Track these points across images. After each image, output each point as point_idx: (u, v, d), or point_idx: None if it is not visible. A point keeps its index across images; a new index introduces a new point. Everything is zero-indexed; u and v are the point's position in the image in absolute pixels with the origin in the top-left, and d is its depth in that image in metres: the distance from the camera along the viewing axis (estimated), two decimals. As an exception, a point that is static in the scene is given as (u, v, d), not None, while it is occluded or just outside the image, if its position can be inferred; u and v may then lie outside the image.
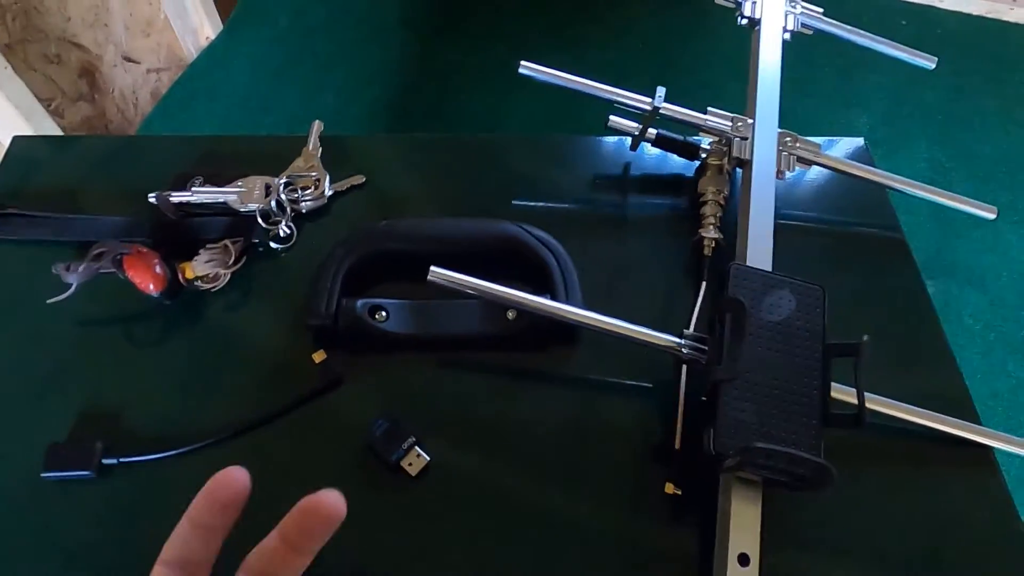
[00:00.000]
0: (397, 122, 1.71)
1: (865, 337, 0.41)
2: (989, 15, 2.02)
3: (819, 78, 1.81)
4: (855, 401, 0.45)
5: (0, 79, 1.17)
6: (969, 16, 2.03)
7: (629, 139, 0.61)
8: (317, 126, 0.61)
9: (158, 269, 0.49)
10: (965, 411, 0.49)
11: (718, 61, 1.83)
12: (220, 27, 1.81)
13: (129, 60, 1.57)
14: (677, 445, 0.46)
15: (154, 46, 1.64)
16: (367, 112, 1.72)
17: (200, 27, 1.75)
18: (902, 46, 0.64)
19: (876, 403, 0.46)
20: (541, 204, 0.61)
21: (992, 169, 1.70)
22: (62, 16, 1.37)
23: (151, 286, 0.49)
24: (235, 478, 0.29)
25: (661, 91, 0.54)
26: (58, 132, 1.32)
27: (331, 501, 0.29)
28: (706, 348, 0.46)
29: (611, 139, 0.66)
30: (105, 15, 1.48)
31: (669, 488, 0.45)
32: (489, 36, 1.91)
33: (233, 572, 0.30)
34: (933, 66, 0.63)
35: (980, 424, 0.48)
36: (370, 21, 1.93)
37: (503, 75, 1.79)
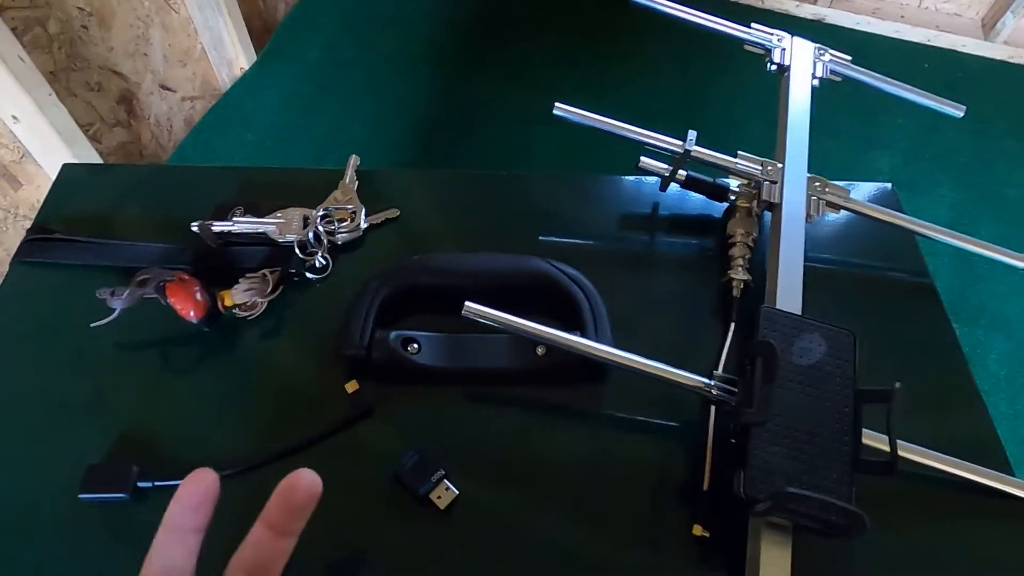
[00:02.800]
0: (422, 155, 1.74)
1: (898, 384, 0.42)
2: (1012, 60, 2.03)
3: (840, 120, 1.82)
4: (886, 448, 0.45)
5: (45, 105, 1.21)
6: (991, 60, 2.04)
7: (656, 179, 0.62)
8: (354, 160, 0.63)
9: (199, 296, 0.51)
10: (996, 460, 0.49)
11: (741, 102, 1.84)
12: (254, 59, 1.86)
13: (166, 88, 1.63)
14: (705, 486, 0.46)
15: (190, 75, 1.69)
16: (393, 144, 1.75)
17: (235, 58, 1.81)
18: (930, 94, 0.65)
19: (908, 451, 0.46)
20: (570, 241, 0.62)
21: (1016, 212, 1.69)
22: (105, 46, 1.42)
23: (192, 313, 0.50)
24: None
25: (692, 135, 0.55)
26: (96, 157, 1.36)
27: (308, 478, 0.31)
28: (736, 390, 0.46)
29: (639, 179, 0.67)
30: (145, 45, 1.53)
31: (697, 530, 0.45)
32: (513, 74, 1.95)
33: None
34: (961, 114, 0.64)
35: (1012, 474, 0.48)
36: (398, 57, 1.98)
37: (526, 112, 1.82)
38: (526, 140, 1.77)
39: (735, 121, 1.80)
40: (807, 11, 2.12)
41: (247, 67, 1.84)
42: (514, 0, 2.15)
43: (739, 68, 1.88)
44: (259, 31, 1.91)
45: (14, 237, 1.32)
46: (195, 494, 0.30)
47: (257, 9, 1.94)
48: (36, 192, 1.32)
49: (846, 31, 2.11)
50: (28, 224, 1.30)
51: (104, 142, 1.46)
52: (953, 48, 2.05)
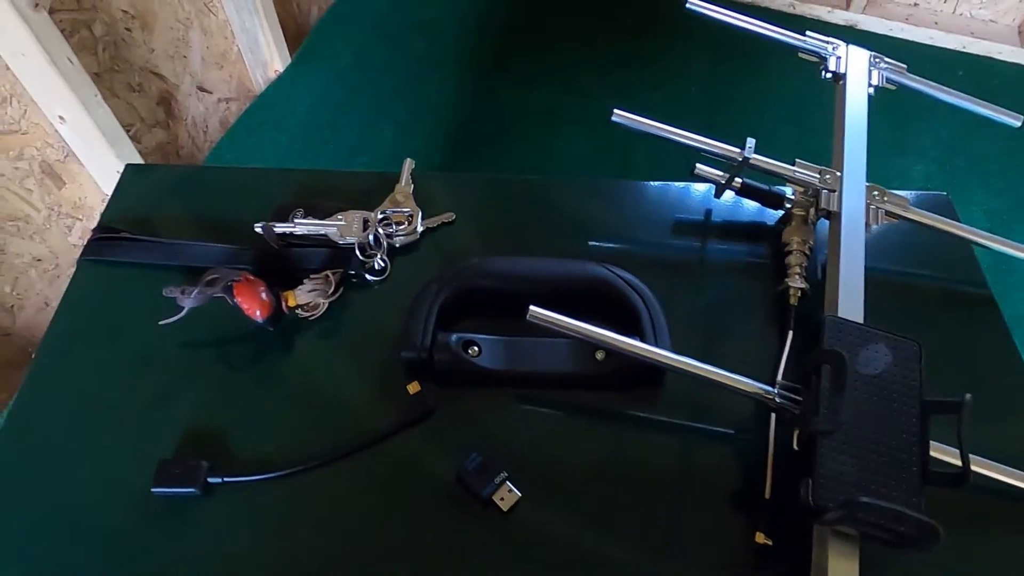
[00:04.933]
0: (451, 157, 1.75)
1: (968, 396, 0.41)
2: (1048, 68, 2.00)
3: (873, 128, 1.80)
4: (951, 459, 0.45)
5: (90, 106, 1.23)
6: (1028, 68, 2.01)
7: (706, 186, 0.62)
8: (409, 164, 0.63)
9: (264, 296, 0.52)
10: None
11: (770, 107, 1.83)
12: (288, 61, 1.88)
13: (203, 90, 1.65)
14: (767, 494, 0.46)
15: (226, 77, 1.72)
16: (422, 146, 1.76)
17: (270, 61, 1.83)
18: (986, 103, 0.64)
19: (976, 463, 0.45)
20: (621, 247, 0.62)
21: (1052, 222, 1.67)
22: (147, 48, 1.44)
23: (258, 312, 0.51)
24: None
25: (751, 142, 0.55)
26: (138, 157, 1.38)
27: None
28: (799, 398, 0.46)
29: (688, 185, 0.67)
30: (185, 48, 1.55)
31: (759, 538, 0.45)
32: (541, 77, 1.95)
33: None
34: (1019, 124, 0.64)
35: (1079, 489, 0.47)
36: (427, 60, 1.99)
37: (554, 115, 1.82)
38: (553, 142, 1.77)
39: (765, 127, 1.79)
40: (839, 17, 2.10)
41: (281, 70, 1.86)
42: (542, 4, 2.16)
43: (768, 73, 1.87)
44: (293, 34, 1.93)
45: (57, 235, 1.34)
46: None
47: (292, 12, 1.96)
48: (79, 191, 1.35)
49: (878, 37, 2.09)
50: (71, 222, 1.33)
51: (143, 142, 1.49)
52: (989, 55, 2.03)
